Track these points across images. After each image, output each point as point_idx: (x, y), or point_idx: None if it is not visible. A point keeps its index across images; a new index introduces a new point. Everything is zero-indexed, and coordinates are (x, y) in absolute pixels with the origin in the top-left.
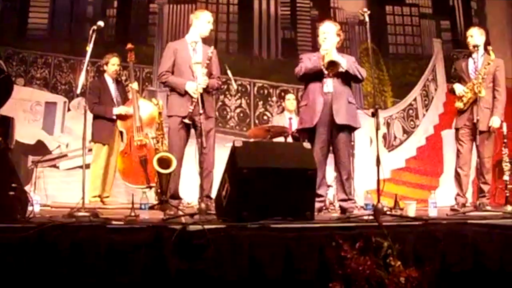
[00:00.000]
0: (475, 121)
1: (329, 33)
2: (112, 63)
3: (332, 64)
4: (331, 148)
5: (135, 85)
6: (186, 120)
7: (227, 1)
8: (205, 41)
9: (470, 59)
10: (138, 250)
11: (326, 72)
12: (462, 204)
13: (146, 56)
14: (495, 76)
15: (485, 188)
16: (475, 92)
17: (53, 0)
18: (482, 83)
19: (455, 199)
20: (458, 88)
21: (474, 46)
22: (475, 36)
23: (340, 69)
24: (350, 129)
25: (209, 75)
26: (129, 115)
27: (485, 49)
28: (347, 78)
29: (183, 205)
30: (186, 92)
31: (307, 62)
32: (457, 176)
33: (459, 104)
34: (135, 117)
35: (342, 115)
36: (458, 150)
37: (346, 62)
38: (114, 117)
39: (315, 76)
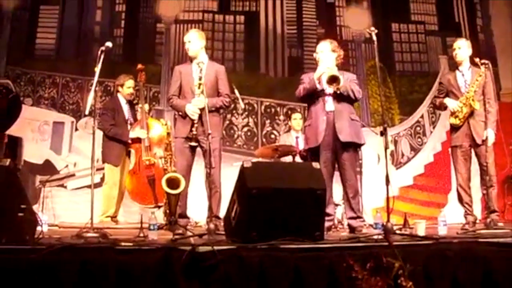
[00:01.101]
0: (474, 136)
1: (323, 52)
2: (128, 86)
3: (333, 79)
4: (336, 166)
5: (146, 107)
6: (193, 143)
7: (233, 20)
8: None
9: (457, 72)
10: (147, 271)
11: (327, 87)
12: (473, 223)
13: (153, 75)
14: (485, 88)
15: (494, 193)
16: (470, 106)
17: (61, 21)
18: (475, 96)
19: (465, 217)
20: (451, 103)
21: (462, 59)
22: (464, 48)
23: (338, 91)
24: (355, 146)
25: (217, 93)
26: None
27: (472, 62)
28: (345, 97)
29: (191, 224)
30: (186, 114)
31: (305, 84)
32: (460, 196)
33: (454, 121)
34: (143, 128)
35: (346, 132)
36: (457, 169)
37: (342, 81)
38: (130, 141)
39: (315, 95)
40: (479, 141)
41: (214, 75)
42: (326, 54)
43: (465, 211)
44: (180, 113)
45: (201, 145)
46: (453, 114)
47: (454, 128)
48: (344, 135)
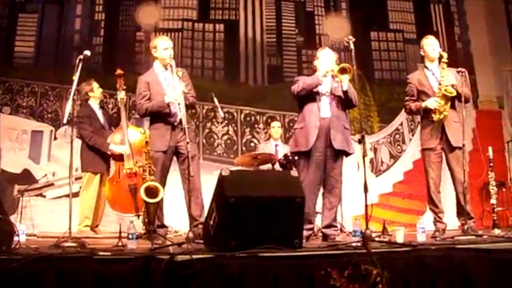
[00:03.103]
0: (450, 139)
1: (326, 56)
2: (97, 87)
3: (345, 69)
4: None
5: (122, 94)
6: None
7: (213, 28)
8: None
9: (427, 71)
10: (125, 281)
11: (327, 87)
12: (443, 230)
13: (132, 84)
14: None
15: (468, 208)
16: (446, 97)
17: (40, 29)
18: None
19: (435, 225)
20: (430, 102)
21: (436, 57)
22: (436, 46)
23: (344, 88)
24: (343, 155)
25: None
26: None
27: (439, 61)
28: (343, 103)
29: (171, 233)
30: (168, 105)
31: (305, 80)
32: (433, 202)
33: (438, 117)
34: (125, 143)
35: (339, 140)
36: (429, 174)
37: (348, 83)
38: (109, 152)
39: (311, 97)
40: (454, 144)
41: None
42: (330, 57)
43: (435, 218)
44: (161, 109)
45: (180, 152)
46: (434, 111)
47: (425, 129)
48: (338, 143)
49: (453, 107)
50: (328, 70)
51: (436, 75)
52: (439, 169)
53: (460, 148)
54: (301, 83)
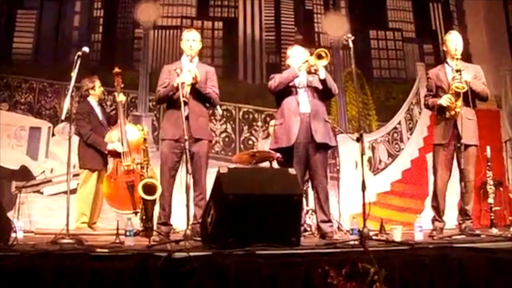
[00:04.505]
0: (462, 135)
1: (297, 53)
2: (99, 86)
3: (321, 56)
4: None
5: (120, 97)
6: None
7: (212, 26)
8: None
9: (447, 66)
10: (122, 278)
11: (305, 79)
12: (440, 229)
13: (131, 81)
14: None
15: (470, 211)
16: (458, 94)
17: (38, 25)
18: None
19: (433, 223)
20: (442, 100)
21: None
22: (458, 42)
23: (321, 76)
24: (327, 148)
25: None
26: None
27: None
28: (322, 93)
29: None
30: (177, 87)
31: (281, 75)
32: (437, 201)
33: (450, 113)
34: (122, 141)
35: (321, 133)
36: (437, 171)
37: (325, 72)
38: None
39: (289, 91)
40: (465, 141)
41: (205, 75)
42: (301, 52)
43: (434, 216)
44: (171, 92)
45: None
46: (447, 108)
47: (437, 125)
48: (319, 136)
49: (467, 104)
50: (303, 61)
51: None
52: (449, 167)
53: (472, 146)
54: (278, 77)
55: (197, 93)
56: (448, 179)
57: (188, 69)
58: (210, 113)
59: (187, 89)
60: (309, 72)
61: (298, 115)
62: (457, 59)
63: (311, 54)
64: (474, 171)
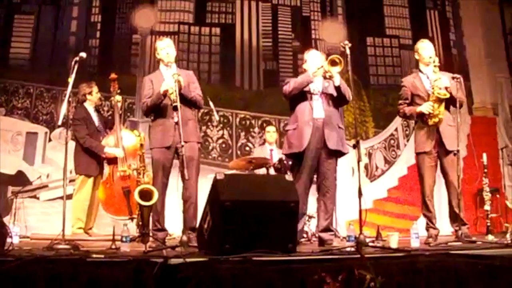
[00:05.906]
0: (444, 142)
1: (314, 57)
2: (96, 91)
3: (335, 63)
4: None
5: (118, 98)
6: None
7: (209, 32)
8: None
9: (421, 75)
10: (118, 284)
11: (319, 86)
12: (435, 236)
13: (128, 86)
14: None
15: (462, 214)
16: (440, 101)
17: (36, 30)
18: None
19: (427, 230)
20: (424, 107)
21: (431, 61)
22: (431, 50)
23: (336, 83)
24: (338, 155)
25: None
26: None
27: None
28: (336, 99)
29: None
30: (164, 94)
31: (296, 79)
32: (428, 208)
33: (433, 120)
34: (118, 145)
35: (334, 140)
36: (424, 178)
37: (339, 78)
38: (104, 155)
39: (303, 96)
40: (449, 148)
41: (186, 80)
42: (318, 56)
43: (428, 224)
44: (157, 99)
45: (178, 154)
46: (429, 116)
47: (419, 133)
48: (332, 143)
49: (448, 110)
50: (318, 67)
51: (431, 78)
52: (434, 174)
53: (454, 153)
54: (292, 82)
55: (182, 98)
56: (434, 185)
57: (171, 73)
58: (207, 119)
59: (174, 94)
60: (324, 77)
61: (311, 120)
62: (435, 66)
63: (327, 59)
64: (457, 177)
